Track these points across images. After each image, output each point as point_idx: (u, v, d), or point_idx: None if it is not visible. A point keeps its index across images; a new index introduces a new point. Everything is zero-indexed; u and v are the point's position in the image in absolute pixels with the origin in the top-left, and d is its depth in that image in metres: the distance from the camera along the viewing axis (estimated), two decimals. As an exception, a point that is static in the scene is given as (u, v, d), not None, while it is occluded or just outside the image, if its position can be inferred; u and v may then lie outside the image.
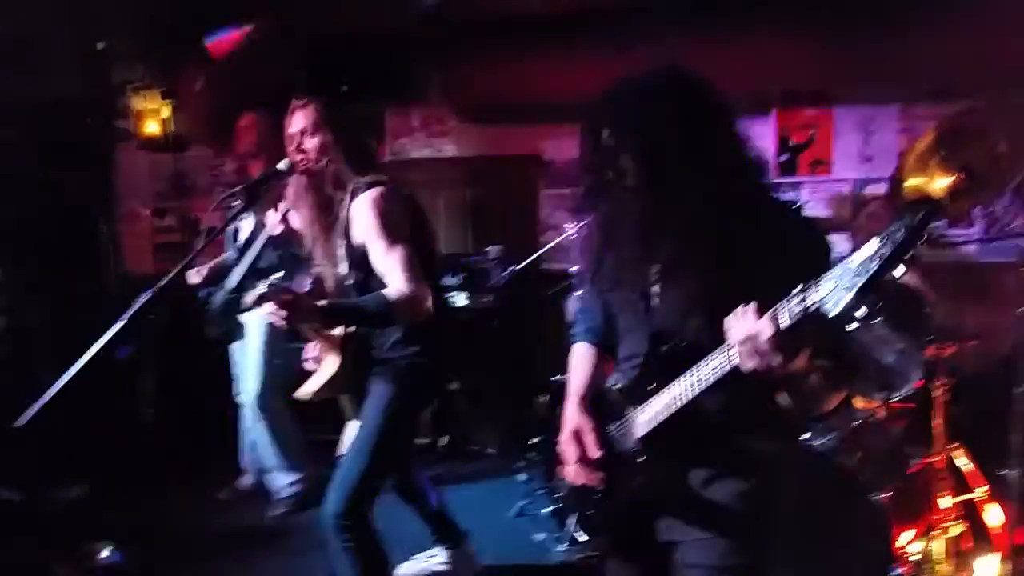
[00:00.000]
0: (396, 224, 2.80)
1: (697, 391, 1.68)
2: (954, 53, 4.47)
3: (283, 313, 2.57)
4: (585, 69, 3.96)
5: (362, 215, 2.80)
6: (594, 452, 1.86)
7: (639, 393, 1.82)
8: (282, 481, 4.41)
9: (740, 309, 1.56)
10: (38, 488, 4.31)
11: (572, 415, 1.96)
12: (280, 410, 4.35)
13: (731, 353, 1.59)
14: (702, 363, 1.66)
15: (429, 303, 2.77)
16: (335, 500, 2.81)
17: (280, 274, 2.65)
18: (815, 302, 1.43)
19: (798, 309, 1.46)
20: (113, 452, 4.70)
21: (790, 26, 4.68)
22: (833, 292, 1.39)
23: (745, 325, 1.54)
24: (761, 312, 1.53)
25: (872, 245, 1.35)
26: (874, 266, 1.34)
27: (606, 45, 4.47)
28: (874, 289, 1.35)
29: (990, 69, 4.38)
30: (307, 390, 2.97)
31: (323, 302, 2.72)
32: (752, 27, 4.68)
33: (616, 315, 1.99)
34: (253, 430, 4.52)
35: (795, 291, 1.47)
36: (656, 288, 1.82)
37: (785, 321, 1.49)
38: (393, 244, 2.76)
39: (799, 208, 1.98)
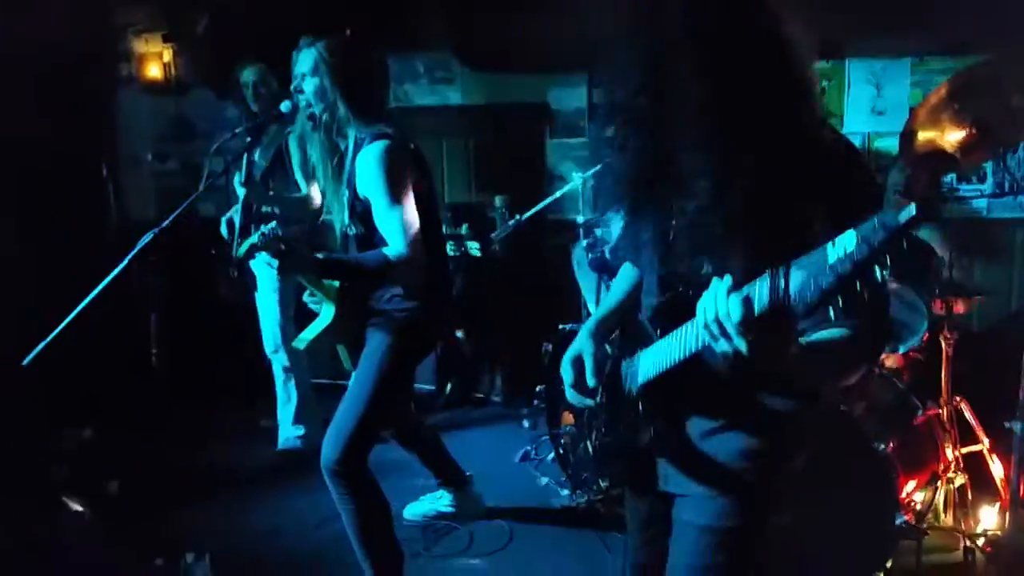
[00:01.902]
0: (399, 181, 2.73)
1: (683, 356, 1.52)
2: (968, 5, 4.39)
3: (276, 262, 2.58)
4: (594, 17, 3.88)
5: (366, 169, 2.74)
6: (590, 379, 1.80)
7: (645, 337, 1.72)
8: (289, 432, 4.42)
9: (714, 285, 1.35)
10: (46, 428, 4.31)
11: (580, 338, 1.88)
12: (299, 361, 4.34)
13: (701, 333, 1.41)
14: (690, 326, 1.50)
15: (424, 264, 2.75)
16: (332, 448, 2.80)
17: (274, 223, 2.59)
18: (782, 294, 1.23)
19: (766, 298, 1.26)
20: (122, 391, 4.70)
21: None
22: (802, 288, 1.20)
23: (712, 305, 1.34)
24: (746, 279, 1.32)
25: (850, 239, 1.14)
26: (844, 270, 1.14)
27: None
28: (845, 293, 1.16)
29: (1004, 22, 4.30)
30: (304, 338, 2.98)
31: (320, 254, 2.71)
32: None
33: (640, 248, 1.80)
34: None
35: (765, 275, 1.27)
36: (673, 226, 1.62)
37: (752, 309, 1.29)
38: (395, 203, 2.71)
39: (848, 144, 1.63)
